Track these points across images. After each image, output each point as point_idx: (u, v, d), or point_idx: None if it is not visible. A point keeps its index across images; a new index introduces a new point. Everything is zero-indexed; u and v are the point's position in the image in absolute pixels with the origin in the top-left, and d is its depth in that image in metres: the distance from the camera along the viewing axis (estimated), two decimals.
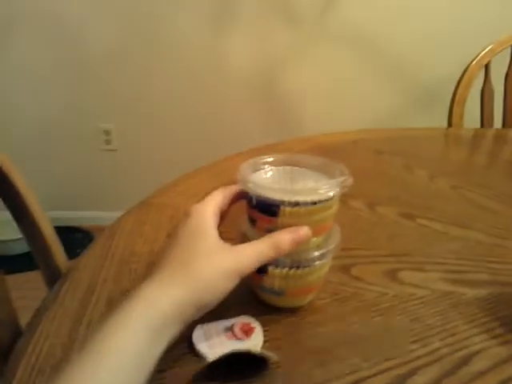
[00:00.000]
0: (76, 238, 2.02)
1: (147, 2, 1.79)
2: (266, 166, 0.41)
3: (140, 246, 0.50)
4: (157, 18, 1.82)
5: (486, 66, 1.20)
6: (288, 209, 0.35)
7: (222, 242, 0.35)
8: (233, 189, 0.40)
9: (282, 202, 0.35)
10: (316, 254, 0.38)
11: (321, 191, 0.35)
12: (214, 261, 0.34)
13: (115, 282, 0.44)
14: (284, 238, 0.35)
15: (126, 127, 1.95)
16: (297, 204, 0.35)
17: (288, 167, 0.41)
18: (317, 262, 0.38)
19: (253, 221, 0.38)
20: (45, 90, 1.90)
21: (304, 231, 0.36)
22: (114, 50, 1.85)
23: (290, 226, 0.36)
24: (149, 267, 0.46)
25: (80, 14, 1.80)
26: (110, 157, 2.00)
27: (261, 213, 0.36)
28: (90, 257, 0.48)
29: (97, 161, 2.01)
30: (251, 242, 0.35)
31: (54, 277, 0.57)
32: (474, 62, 1.19)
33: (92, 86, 1.89)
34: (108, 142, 1.97)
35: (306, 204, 0.35)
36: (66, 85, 1.90)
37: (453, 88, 1.19)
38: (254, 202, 0.36)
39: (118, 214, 0.58)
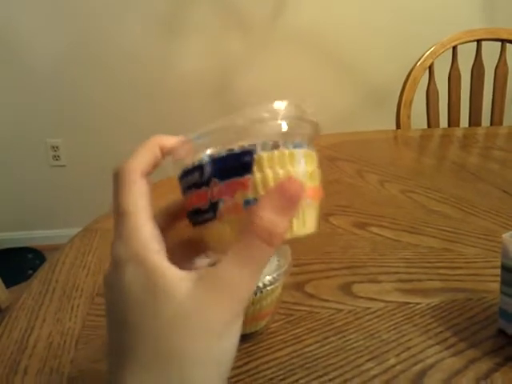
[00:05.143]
0: (27, 259, 1.93)
1: (94, 12, 1.73)
2: None
3: (83, 278, 0.46)
4: (105, 29, 1.76)
5: (430, 68, 1.23)
6: (265, 154, 0.23)
7: (194, 285, 0.22)
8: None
9: (253, 146, 0.23)
10: (267, 278, 0.36)
11: None
12: (203, 327, 0.21)
13: (56, 321, 0.41)
14: (270, 213, 0.21)
15: (75, 142, 1.88)
16: (276, 145, 0.23)
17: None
18: (268, 287, 0.37)
19: (208, 211, 0.23)
20: None
21: (295, 184, 0.22)
22: (60, 63, 1.78)
23: (268, 183, 0.22)
24: (93, 302, 0.43)
25: (25, 26, 1.72)
26: (58, 173, 1.92)
27: (225, 179, 0.23)
28: (28, 293, 0.45)
29: (45, 177, 1.92)
30: (231, 254, 0.22)
31: None
32: (417, 64, 1.22)
33: (38, 100, 1.81)
34: (56, 158, 1.89)
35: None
36: (10, 100, 1.80)
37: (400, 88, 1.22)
38: (209, 170, 0.23)
39: (69, 232, 0.55)
